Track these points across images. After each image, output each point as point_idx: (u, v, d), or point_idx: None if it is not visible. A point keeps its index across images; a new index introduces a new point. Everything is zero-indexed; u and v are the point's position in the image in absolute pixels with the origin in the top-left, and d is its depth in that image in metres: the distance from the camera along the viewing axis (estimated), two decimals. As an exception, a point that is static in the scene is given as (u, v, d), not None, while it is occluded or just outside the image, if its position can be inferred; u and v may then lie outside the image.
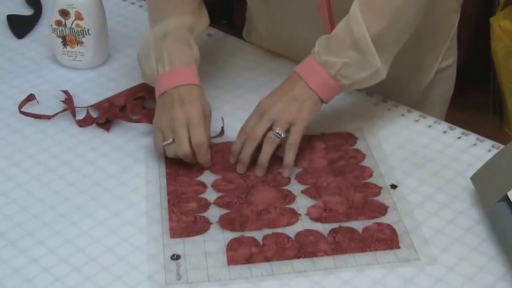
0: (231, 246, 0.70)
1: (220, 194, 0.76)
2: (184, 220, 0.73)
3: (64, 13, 0.94)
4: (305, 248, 0.69)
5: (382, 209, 0.74)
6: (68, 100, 0.89)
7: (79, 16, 0.94)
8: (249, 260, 0.68)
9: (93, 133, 0.86)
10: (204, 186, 0.78)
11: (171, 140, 0.78)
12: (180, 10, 0.85)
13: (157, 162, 0.82)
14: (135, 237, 0.72)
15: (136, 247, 0.70)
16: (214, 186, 0.78)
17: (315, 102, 0.78)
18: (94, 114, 0.88)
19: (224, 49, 1.02)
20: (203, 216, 0.73)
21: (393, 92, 0.91)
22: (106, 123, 0.87)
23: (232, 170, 0.79)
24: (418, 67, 0.93)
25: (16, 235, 0.72)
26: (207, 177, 0.79)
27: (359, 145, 0.84)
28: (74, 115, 0.88)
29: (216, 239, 0.71)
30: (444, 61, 0.94)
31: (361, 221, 0.73)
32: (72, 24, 0.94)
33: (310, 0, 0.86)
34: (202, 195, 0.76)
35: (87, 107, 0.89)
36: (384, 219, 0.73)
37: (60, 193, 0.77)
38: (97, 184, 0.79)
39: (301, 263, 0.68)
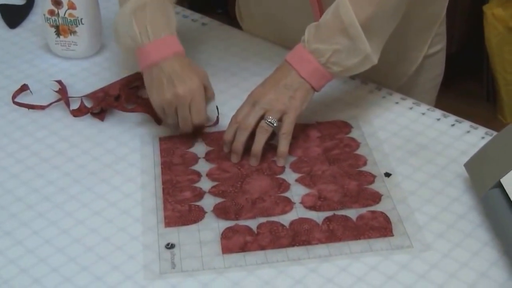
0: (226, 235, 0.70)
1: (215, 183, 0.76)
2: (179, 209, 0.73)
3: (57, 2, 0.93)
4: (299, 236, 0.70)
5: (376, 197, 0.74)
6: (62, 90, 0.89)
7: (72, 6, 0.93)
8: (243, 248, 0.69)
9: (88, 123, 0.86)
10: (198, 175, 0.78)
11: (176, 119, 0.80)
12: None
13: (152, 151, 0.82)
14: (131, 227, 0.72)
15: (132, 237, 0.71)
16: (209, 175, 0.78)
17: (306, 90, 0.78)
18: (88, 104, 0.88)
19: (219, 38, 1.02)
20: (198, 205, 0.74)
21: (381, 76, 0.91)
22: (100, 113, 0.87)
23: (227, 159, 0.80)
24: (406, 51, 0.93)
25: (10, 225, 0.72)
26: (202, 166, 0.79)
27: (353, 134, 0.84)
28: (68, 105, 0.88)
29: (211, 228, 0.71)
30: (432, 46, 0.94)
31: (355, 209, 0.73)
32: (65, 14, 0.94)
33: None
34: (197, 184, 0.76)
35: (81, 97, 0.89)
36: (378, 207, 0.73)
37: (55, 183, 0.77)
38: (92, 174, 0.79)
39: (295, 251, 0.68)
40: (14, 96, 0.89)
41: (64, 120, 0.87)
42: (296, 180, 0.77)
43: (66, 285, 0.66)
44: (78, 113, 0.87)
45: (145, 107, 0.84)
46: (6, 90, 0.91)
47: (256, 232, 0.70)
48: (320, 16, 0.80)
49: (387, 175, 0.77)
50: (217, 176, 0.77)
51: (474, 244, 0.70)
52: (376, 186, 0.76)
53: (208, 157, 0.80)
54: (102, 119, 0.86)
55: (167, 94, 0.79)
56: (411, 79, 0.95)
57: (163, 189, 0.75)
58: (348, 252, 0.68)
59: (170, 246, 0.69)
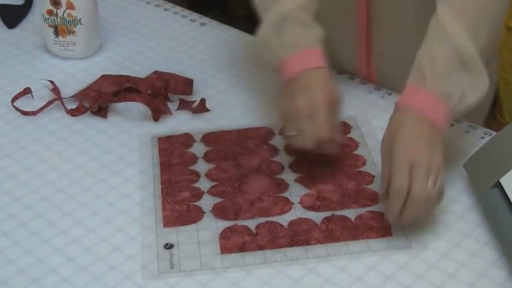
0: (224, 235, 0.70)
1: (213, 183, 0.76)
2: (177, 209, 0.73)
3: (56, 2, 0.93)
4: (298, 236, 0.70)
5: (375, 197, 0.74)
6: (55, 90, 0.89)
7: (70, 6, 0.93)
8: (242, 248, 0.68)
9: (86, 123, 0.86)
10: (197, 175, 0.78)
11: (295, 132, 0.74)
12: None
13: (151, 151, 0.82)
14: (129, 227, 0.72)
15: (131, 237, 0.70)
16: (208, 175, 0.78)
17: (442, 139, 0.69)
18: (85, 104, 0.88)
19: (218, 38, 1.02)
20: (196, 205, 0.73)
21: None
22: (101, 111, 0.86)
23: (225, 159, 0.79)
24: None
25: (9, 226, 0.72)
26: (201, 166, 0.79)
27: (353, 134, 0.84)
28: (63, 104, 0.88)
29: (210, 228, 0.71)
30: None
31: (354, 209, 0.73)
32: (63, 14, 0.94)
33: (347, 5, 0.83)
34: (196, 184, 0.76)
35: (69, 97, 0.88)
36: (376, 207, 0.73)
37: (54, 184, 0.77)
38: (90, 174, 0.78)
39: (293, 251, 0.68)
40: (16, 98, 0.89)
41: (62, 121, 0.86)
42: (295, 180, 0.77)
43: (65, 286, 0.66)
44: (76, 112, 0.87)
45: (144, 99, 0.84)
46: (4, 90, 0.91)
47: (254, 232, 0.70)
48: (367, 35, 0.73)
49: None
50: (216, 176, 0.77)
51: (473, 244, 0.70)
52: (374, 186, 0.76)
53: (207, 157, 0.80)
54: (105, 116, 0.86)
55: (289, 106, 0.74)
56: None
57: (162, 189, 0.75)
58: (346, 252, 0.68)
59: (168, 246, 0.69)
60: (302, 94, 0.73)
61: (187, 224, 0.71)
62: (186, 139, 0.83)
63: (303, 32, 0.77)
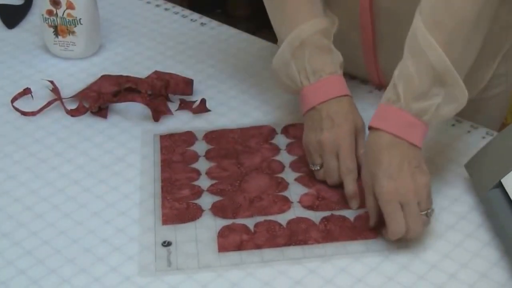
0: (222, 233, 0.70)
1: (213, 182, 0.76)
2: (177, 206, 0.73)
3: (55, 2, 0.93)
4: (296, 236, 0.69)
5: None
6: (55, 90, 0.89)
7: (70, 6, 0.93)
8: (239, 247, 0.68)
9: (86, 124, 0.86)
10: (198, 173, 0.78)
11: (318, 167, 0.74)
12: (310, 14, 0.77)
13: (152, 152, 0.81)
14: (130, 228, 0.71)
15: (131, 238, 0.70)
16: (208, 173, 0.77)
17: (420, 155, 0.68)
18: (85, 104, 0.88)
19: (218, 38, 1.02)
20: (196, 203, 0.73)
21: None
22: (100, 111, 0.86)
23: (227, 157, 0.79)
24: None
25: (8, 226, 0.71)
26: (202, 165, 0.79)
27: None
28: (63, 105, 0.87)
29: (208, 226, 0.71)
30: (491, 88, 0.87)
31: (354, 210, 0.72)
32: (63, 14, 0.94)
33: (352, 21, 0.82)
34: (196, 182, 0.76)
35: (69, 98, 0.88)
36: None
37: (53, 184, 0.77)
38: (90, 174, 0.78)
39: (291, 251, 0.68)
40: (15, 98, 0.89)
41: (62, 121, 0.86)
42: (295, 180, 0.77)
43: (65, 286, 0.65)
44: (76, 112, 0.87)
45: (145, 99, 0.84)
46: (4, 91, 0.91)
47: (253, 230, 0.70)
48: (373, 44, 0.72)
49: None
50: (216, 175, 0.77)
51: (474, 245, 0.69)
52: None
53: (208, 155, 0.80)
54: (105, 116, 0.86)
55: (313, 140, 0.74)
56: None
57: (162, 187, 0.75)
58: (344, 252, 0.68)
59: (167, 244, 0.69)
60: (326, 129, 0.73)
61: (185, 222, 0.71)
62: (188, 137, 0.82)
63: (324, 58, 0.75)
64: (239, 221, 0.71)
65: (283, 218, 0.71)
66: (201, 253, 0.68)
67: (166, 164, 0.78)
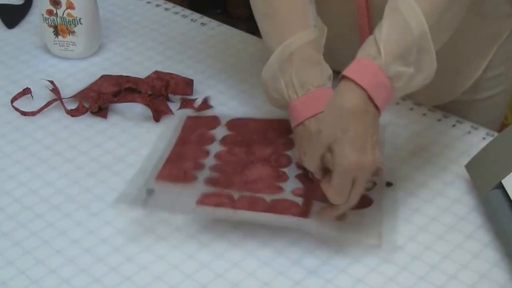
0: (206, 194, 0.70)
1: (218, 163, 0.77)
2: (175, 171, 0.74)
3: (55, 2, 0.93)
4: (275, 210, 0.69)
5: (368, 204, 0.73)
6: (55, 90, 0.89)
7: (70, 5, 0.93)
8: (217, 205, 0.69)
9: (86, 124, 0.86)
10: (207, 154, 0.78)
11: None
12: (299, 26, 0.74)
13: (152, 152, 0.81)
14: (130, 228, 0.71)
15: (130, 238, 0.70)
16: (216, 156, 0.78)
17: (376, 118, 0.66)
18: (85, 104, 0.88)
19: (218, 38, 1.02)
20: (193, 173, 0.74)
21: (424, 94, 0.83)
22: (100, 111, 0.86)
23: (240, 145, 0.79)
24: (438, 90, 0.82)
25: (8, 227, 0.71)
26: (214, 148, 0.79)
27: None
28: (63, 105, 0.87)
29: (195, 189, 0.71)
30: (491, 88, 0.87)
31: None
32: (63, 14, 0.93)
33: (349, 22, 0.81)
34: (201, 160, 0.77)
35: (69, 98, 0.88)
36: (364, 211, 0.71)
37: (53, 185, 0.77)
38: (90, 175, 0.78)
39: (263, 216, 0.68)
40: (15, 98, 0.89)
41: (62, 121, 0.86)
42: (296, 176, 0.76)
43: (65, 287, 0.65)
44: (76, 112, 0.87)
45: (145, 99, 0.84)
46: (4, 91, 0.91)
47: (235, 199, 0.70)
48: (369, 33, 0.69)
49: (389, 184, 0.76)
50: (223, 158, 0.77)
51: (475, 246, 0.69)
52: (372, 193, 0.74)
53: (224, 140, 0.80)
54: (105, 116, 0.86)
55: (299, 154, 0.73)
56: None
57: (168, 157, 0.76)
58: (344, 253, 0.68)
59: (149, 192, 0.70)
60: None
61: (177, 183, 0.72)
62: (212, 121, 0.83)
63: (311, 71, 0.73)
64: (226, 191, 0.71)
65: (269, 197, 0.71)
66: (179, 203, 0.69)
67: (181, 142, 0.79)
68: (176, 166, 0.75)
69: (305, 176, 0.76)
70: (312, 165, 0.66)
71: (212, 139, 0.80)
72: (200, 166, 0.75)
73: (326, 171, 0.66)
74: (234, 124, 0.83)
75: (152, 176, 0.73)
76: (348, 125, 0.63)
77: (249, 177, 0.74)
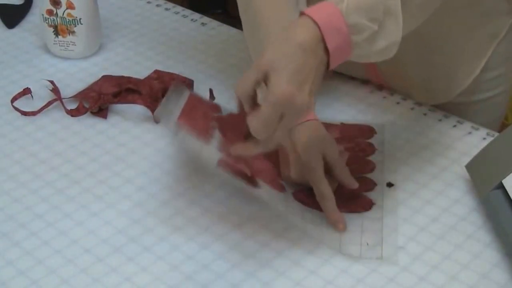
0: (225, 160, 0.67)
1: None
2: (195, 125, 0.68)
3: (56, 2, 0.93)
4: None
5: (369, 206, 0.73)
6: (55, 90, 0.89)
7: (70, 5, 0.93)
8: (237, 174, 0.66)
9: (86, 124, 0.86)
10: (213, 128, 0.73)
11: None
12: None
13: (152, 152, 0.81)
14: (130, 228, 0.71)
15: (131, 238, 0.70)
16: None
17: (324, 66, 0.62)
18: (85, 104, 0.88)
19: (218, 38, 1.02)
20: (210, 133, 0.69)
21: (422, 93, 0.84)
22: (100, 111, 0.86)
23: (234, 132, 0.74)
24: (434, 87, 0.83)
25: (8, 227, 0.71)
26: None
27: (374, 139, 0.82)
28: (63, 105, 0.87)
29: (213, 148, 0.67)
30: (491, 89, 0.87)
31: (343, 213, 0.71)
32: (63, 13, 0.93)
33: None
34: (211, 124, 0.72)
35: (69, 98, 0.88)
36: (366, 214, 0.71)
37: (53, 185, 0.77)
38: (90, 175, 0.78)
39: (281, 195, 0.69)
40: (15, 98, 0.89)
41: (62, 121, 0.86)
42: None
43: (64, 287, 0.65)
44: (77, 112, 0.87)
45: (145, 101, 0.83)
46: (4, 91, 0.91)
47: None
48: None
49: (389, 185, 0.76)
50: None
51: (475, 246, 0.69)
52: (373, 195, 0.74)
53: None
54: (105, 116, 0.86)
55: (284, 176, 0.73)
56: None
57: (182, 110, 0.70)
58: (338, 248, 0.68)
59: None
60: (293, 165, 0.72)
61: (197, 129, 0.66)
62: (215, 107, 0.77)
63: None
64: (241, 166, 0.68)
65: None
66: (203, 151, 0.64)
67: (185, 113, 0.71)
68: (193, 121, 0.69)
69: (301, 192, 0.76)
70: (244, 89, 0.61)
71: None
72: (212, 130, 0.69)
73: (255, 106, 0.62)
74: (233, 115, 0.79)
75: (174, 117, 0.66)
76: (293, 58, 0.59)
77: (253, 168, 0.72)
